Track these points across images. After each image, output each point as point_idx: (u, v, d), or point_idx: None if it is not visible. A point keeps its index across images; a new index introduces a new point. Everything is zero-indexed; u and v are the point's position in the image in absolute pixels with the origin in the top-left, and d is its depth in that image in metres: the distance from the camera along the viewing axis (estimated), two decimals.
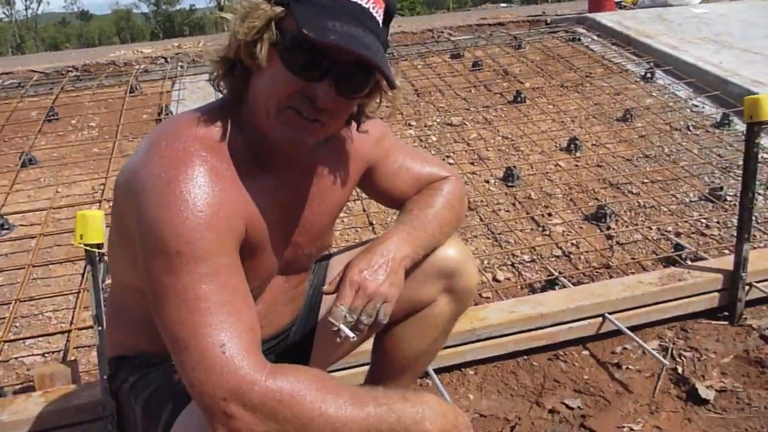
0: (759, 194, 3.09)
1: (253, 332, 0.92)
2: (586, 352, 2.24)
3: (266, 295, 1.24)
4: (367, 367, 1.63)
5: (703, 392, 1.97)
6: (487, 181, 3.30)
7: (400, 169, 1.35)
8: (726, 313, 2.34)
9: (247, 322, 0.92)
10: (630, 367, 2.15)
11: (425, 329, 1.42)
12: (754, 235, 2.76)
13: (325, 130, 1.05)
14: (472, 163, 3.46)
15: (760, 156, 3.30)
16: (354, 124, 1.19)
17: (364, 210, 3.01)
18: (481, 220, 2.99)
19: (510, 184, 3.23)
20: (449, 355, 2.13)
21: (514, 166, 3.28)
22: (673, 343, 2.22)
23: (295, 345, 1.43)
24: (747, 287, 2.32)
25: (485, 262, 2.75)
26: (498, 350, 2.16)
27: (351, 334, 1.10)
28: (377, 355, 1.52)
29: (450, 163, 3.46)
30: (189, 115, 1.05)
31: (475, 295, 1.46)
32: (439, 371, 2.12)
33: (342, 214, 3.04)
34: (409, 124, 3.91)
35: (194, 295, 0.89)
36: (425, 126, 3.87)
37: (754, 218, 2.84)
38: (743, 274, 2.28)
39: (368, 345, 1.54)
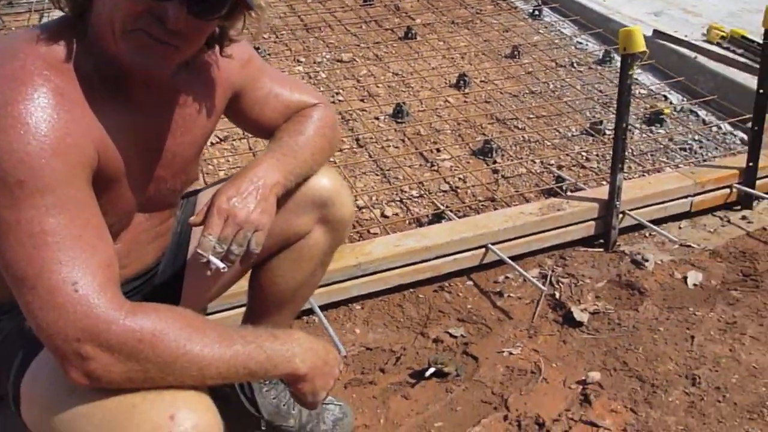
0: (635, 128, 3.21)
1: (109, 269, 0.85)
2: (469, 283, 2.28)
3: (127, 234, 1.16)
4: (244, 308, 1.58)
5: (578, 315, 2.06)
6: (377, 118, 3.26)
7: (268, 96, 1.29)
8: (601, 241, 2.44)
9: (103, 258, 0.85)
10: (511, 295, 2.21)
11: (301, 262, 1.38)
12: (629, 167, 2.87)
13: (179, 55, 0.97)
14: (362, 100, 3.40)
15: (637, 92, 3.44)
16: (217, 48, 1.11)
17: (250, 149, 2.91)
18: (370, 156, 2.97)
19: (399, 120, 3.20)
20: (335, 291, 2.11)
21: (404, 103, 3.25)
22: (552, 271, 2.29)
23: (164, 285, 1.36)
24: (621, 215, 2.42)
25: (373, 198, 2.74)
26: (384, 284, 2.17)
27: (221, 265, 1.05)
28: (253, 292, 1.48)
29: (340, 101, 3.40)
30: (29, 33, 0.94)
31: (350, 226, 1.44)
32: (324, 307, 2.10)
33: (227, 153, 2.93)
34: (298, 61, 3.79)
35: (40, 230, 0.81)
36: (314, 63, 3.76)
37: (629, 151, 2.97)
38: (617, 203, 2.37)
39: (245, 284, 1.49)
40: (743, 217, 2.59)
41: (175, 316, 0.86)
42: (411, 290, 2.23)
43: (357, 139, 3.12)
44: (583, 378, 1.82)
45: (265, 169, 1.13)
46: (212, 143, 2.97)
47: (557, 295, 2.18)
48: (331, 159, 2.93)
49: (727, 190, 2.61)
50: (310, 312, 2.05)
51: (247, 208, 1.07)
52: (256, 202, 1.08)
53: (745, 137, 2.97)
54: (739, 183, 2.61)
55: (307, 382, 1.00)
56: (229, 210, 1.06)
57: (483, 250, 2.26)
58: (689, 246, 2.44)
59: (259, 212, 1.08)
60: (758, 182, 2.61)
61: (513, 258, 2.27)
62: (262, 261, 1.40)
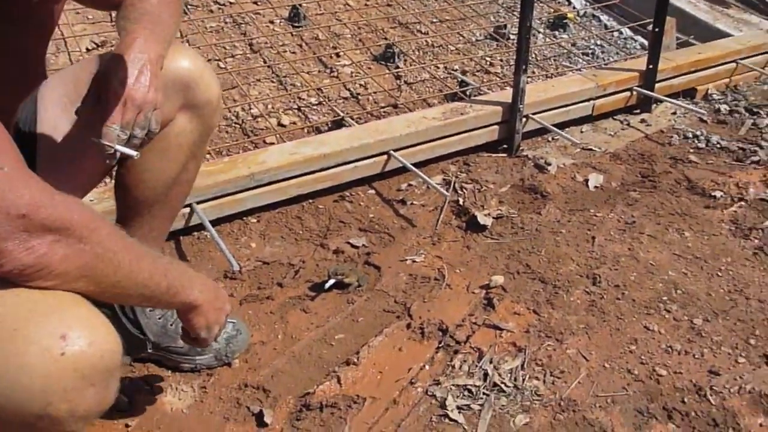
0: (539, 32, 3.14)
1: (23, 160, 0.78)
2: (371, 191, 2.18)
3: None
4: None
5: (482, 220, 2.01)
6: (272, 22, 3.04)
7: None
8: (505, 146, 2.39)
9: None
10: (414, 202, 2.13)
11: (168, 153, 1.23)
12: (533, 71, 2.81)
13: None
14: (255, 2, 3.15)
15: None
16: None
17: None
18: (265, 62, 2.76)
19: (296, 24, 2.99)
20: (228, 204, 1.97)
21: (301, 5, 3.03)
22: (456, 177, 2.22)
23: None
24: (524, 119, 2.37)
25: (269, 106, 2.56)
26: (281, 195, 2.03)
27: (134, 153, 1.02)
28: (121, 194, 1.32)
29: (231, 3, 3.13)
30: None
31: (219, 111, 1.29)
32: (217, 222, 1.96)
33: None
34: None
35: None
36: None
37: (532, 56, 2.90)
38: (521, 106, 2.30)
39: None
40: (642, 120, 2.60)
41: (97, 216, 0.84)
42: (310, 201, 2.11)
43: (251, 44, 2.89)
44: (487, 282, 1.78)
45: (142, 43, 1.03)
46: (88, 49, 2.68)
47: (461, 201, 2.12)
48: (223, 65, 2.71)
49: (628, 93, 2.60)
50: (200, 227, 1.90)
51: (142, 88, 1.00)
52: (148, 80, 1.01)
53: (646, 42, 2.96)
54: (639, 86, 2.60)
55: (201, 315, 1.04)
56: (127, 93, 0.99)
57: (385, 157, 2.16)
58: (590, 149, 2.42)
59: (154, 90, 1.01)
60: (657, 85, 2.60)
61: (416, 164, 2.18)
62: (123, 159, 1.25)
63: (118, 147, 0.99)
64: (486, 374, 1.48)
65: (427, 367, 1.53)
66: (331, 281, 1.72)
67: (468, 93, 2.62)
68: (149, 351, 1.48)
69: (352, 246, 1.95)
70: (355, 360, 1.53)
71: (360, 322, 1.67)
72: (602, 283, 1.76)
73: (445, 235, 2.00)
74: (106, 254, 0.79)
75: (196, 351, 1.50)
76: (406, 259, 1.89)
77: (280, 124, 2.48)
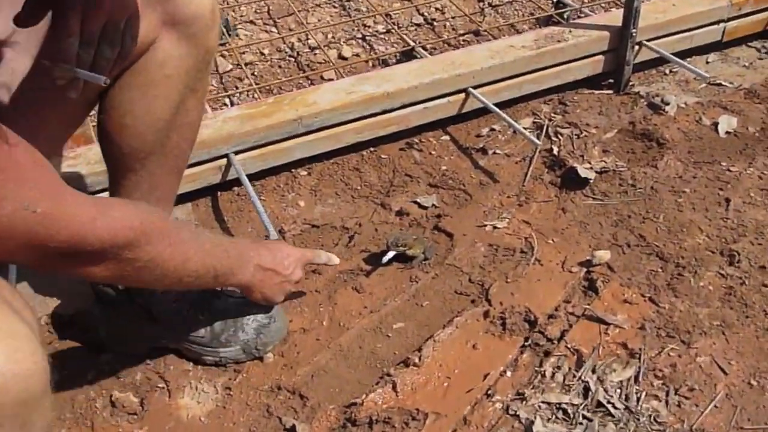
0: None
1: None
2: (445, 138, 1.81)
3: None
4: None
5: (583, 173, 1.61)
6: None
7: None
8: (611, 81, 1.95)
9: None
10: (497, 151, 1.75)
11: (153, 88, 0.92)
12: None
13: None
14: None
15: None
16: None
17: None
18: None
19: None
20: (272, 154, 1.65)
21: None
22: (549, 120, 1.82)
23: None
24: (636, 47, 1.91)
25: (329, 36, 2.20)
26: (335, 143, 1.70)
27: (100, 78, 0.78)
28: (105, 146, 1.01)
29: None
30: None
31: (215, 27, 0.95)
32: (259, 175, 1.65)
33: None
34: None
35: None
36: None
37: None
38: (633, 30, 1.85)
39: None
40: None
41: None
42: (371, 150, 1.77)
43: None
44: (588, 258, 1.40)
45: None
46: None
47: (555, 150, 1.72)
48: None
49: None
50: (239, 182, 1.59)
51: None
52: None
53: None
54: None
55: (255, 292, 1.12)
56: None
57: (462, 95, 1.78)
58: (720, 84, 1.95)
59: None
60: None
61: (500, 105, 1.79)
62: (101, 101, 0.95)
63: (79, 71, 0.75)
64: (587, 388, 1.13)
65: (508, 373, 1.19)
66: (391, 253, 1.39)
67: (566, 16, 2.17)
68: (163, 342, 1.21)
69: (420, 206, 1.60)
70: (417, 360, 1.21)
71: (425, 308, 1.34)
72: (742, 262, 1.35)
73: (535, 193, 1.62)
74: (148, 266, 0.79)
75: (219, 341, 1.21)
76: (486, 225, 1.53)
77: (340, 57, 2.13)
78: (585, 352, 1.20)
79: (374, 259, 1.43)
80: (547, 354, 1.21)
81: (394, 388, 1.16)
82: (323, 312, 1.34)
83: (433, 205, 1.61)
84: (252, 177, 1.62)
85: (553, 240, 1.48)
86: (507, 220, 1.54)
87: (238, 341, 1.22)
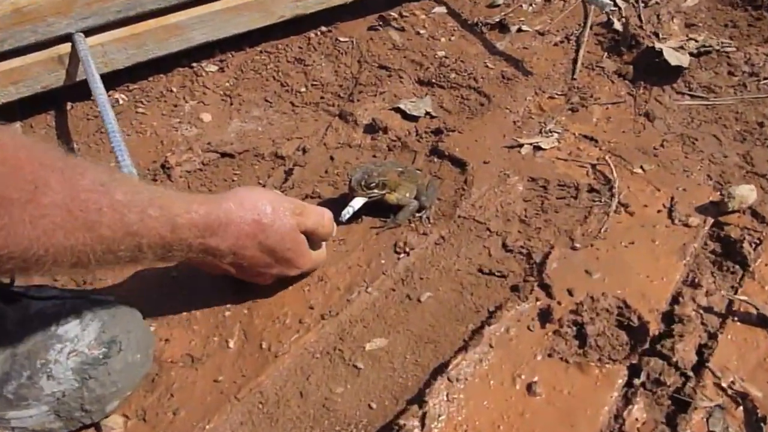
0: None
1: None
2: (440, 9, 1.17)
3: None
4: None
5: (672, 56, 0.99)
6: None
7: None
8: None
9: None
10: (524, 28, 1.14)
11: None
12: None
13: None
14: None
15: None
16: None
17: None
18: None
19: None
20: (152, 35, 1.00)
21: None
22: None
23: None
24: None
25: None
26: (263, 17, 1.07)
27: None
28: None
29: None
30: None
31: None
32: (131, 73, 0.98)
33: None
34: None
35: None
36: None
37: None
38: None
39: None
40: None
41: None
42: (322, 29, 1.13)
43: None
44: (714, 200, 0.78)
45: None
46: None
47: (616, 22, 1.08)
48: None
49: None
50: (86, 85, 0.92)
51: None
52: None
53: None
54: None
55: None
56: None
57: None
58: None
59: None
60: None
61: None
62: None
63: None
64: None
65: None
66: (358, 202, 0.75)
67: None
68: None
69: (405, 116, 0.95)
70: (416, 422, 0.58)
71: (424, 306, 0.70)
72: None
73: (596, 90, 0.98)
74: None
75: (21, 399, 0.57)
76: (519, 144, 0.89)
77: None
78: (757, 396, 0.59)
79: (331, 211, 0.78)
80: (681, 404, 0.59)
81: None
82: (231, 324, 0.69)
83: (428, 113, 0.96)
84: (120, 74, 0.95)
85: (642, 168, 0.84)
86: (555, 135, 0.90)
87: (41, 396, 0.58)
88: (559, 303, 0.68)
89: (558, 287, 0.69)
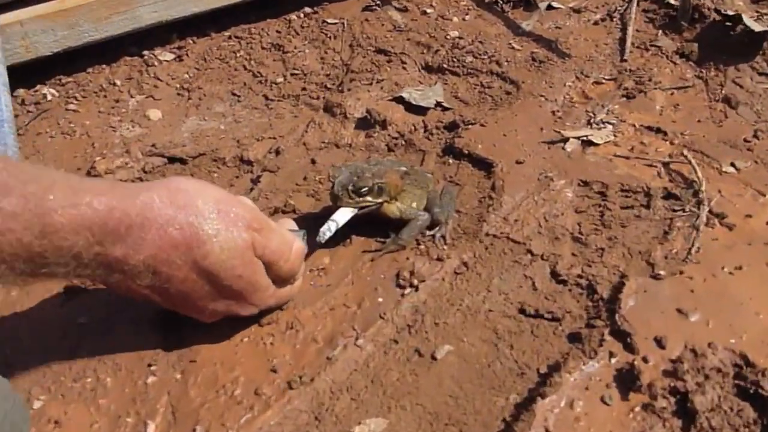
0: None
1: None
2: None
3: None
4: None
5: (753, 24, 0.75)
6: None
7: None
8: None
9: None
10: (555, 5, 0.93)
11: None
12: None
13: None
14: None
15: None
16: None
17: None
18: None
19: None
20: (87, 15, 0.78)
21: None
22: None
23: None
24: None
25: None
26: None
27: None
28: None
29: None
30: None
31: None
32: (61, 61, 0.77)
33: None
34: None
35: None
36: None
37: None
38: None
39: None
40: None
41: None
42: (305, 11, 0.92)
43: None
44: None
45: None
46: None
47: None
48: None
49: None
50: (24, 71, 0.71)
51: None
52: None
53: None
54: None
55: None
56: None
57: None
58: None
59: None
60: None
61: None
62: None
63: None
64: None
65: None
66: (342, 215, 0.52)
67: None
68: None
69: (410, 107, 0.73)
70: None
71: (443, 367, 0.47)
72: None
73: (654, 72, 0.77)
74: None
75: None
76: (562, 139, 0.66)
77: None
78: None
79: (308, 233, 0.55)
80: None
81: None
82: (155, 395, 0.47)
83: (439, 104, 0.74)
84: (54, 64, 0.75)
85: (734, 166, 0.62)
86: (609, 126, 0.68)
87: None
88: (645, 360, 0.45)
89: (641, 335, 0.47)
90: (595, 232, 0.56)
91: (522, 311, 0.50)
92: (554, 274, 0.53)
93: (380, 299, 0.51)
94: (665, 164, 0.63)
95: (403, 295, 0.52)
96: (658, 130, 0.67)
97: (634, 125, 0.69)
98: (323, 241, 0.52)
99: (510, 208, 0.59)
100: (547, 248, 0.55)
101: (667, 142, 0.66)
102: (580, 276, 0.52)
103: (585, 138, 0.66)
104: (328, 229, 0.52)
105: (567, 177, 0.62)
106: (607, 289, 0.51)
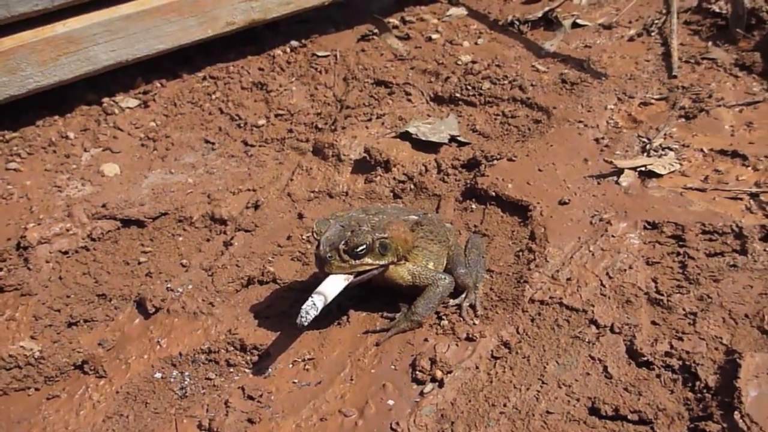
0: None
1: None
2: (459, 11, 0.82)
3: None
4: None
5: None
6: None
7: None
8: None
9: None
10: (581, 22, 0.76)
11: None
12: None
13: None
14: None
15: None
16: None
17: None
18: None
19: None
20: (32, 54, 0.64)
21: None
22: None
23: None
24: None
25: None
26: (205, 28, 0.69)
27: None
28: None
29: None
30: None
31: None
32: (9, 110, 0.64)
33: None
34: None
35: None
36: None
37: None
38: None
39: None
40: None
41: None
42: (292, 43, 0.78)
43: None
44: None
45: None
46: None
47: None
48: None
49: None
50: None
51: None
52: None
53: None
54: None
55: None
56: None
57: None
58: None
59: None
60: None
61: None
62: None
63: None
64: None
65: None
66: (330, 287, 0.37)
67: None
68: None
69: (418, 143, 0.60)
70: None
71: None
72: None
73: (714, 88, 0.62)
74: None
75: None
76: (616, 170, 0.51)
77: None
78: None
79: (289, 312, 0.41)
80: None
81: None
82: None
83: (453, 138, 0.60)
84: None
85: None
86: (671, 153, 0.54)
87: None
88: None
89: None
90: (678, 290, 0.41)
91: (594, 409, 0.35)
92: (633, 354, 0.38)
93: (391, 402, 0.37)
94: (754, 195, 0.48)
95: (422, 393, 0.37)
96: (735, 154, 0.54)
97: (701, 150, 0.55)
98: (305, 324, 0.37)
99: (559, 263, 0.44)
100: (617, 316, 0.40)
101: (749, 168, 0.52)
102: (669, 354, 0.37)
103: (644, 168, 0.52)
104: (312, 307, 0.37)
105: (629, 218, 0.47)
106: (710, 372, 0.36)
